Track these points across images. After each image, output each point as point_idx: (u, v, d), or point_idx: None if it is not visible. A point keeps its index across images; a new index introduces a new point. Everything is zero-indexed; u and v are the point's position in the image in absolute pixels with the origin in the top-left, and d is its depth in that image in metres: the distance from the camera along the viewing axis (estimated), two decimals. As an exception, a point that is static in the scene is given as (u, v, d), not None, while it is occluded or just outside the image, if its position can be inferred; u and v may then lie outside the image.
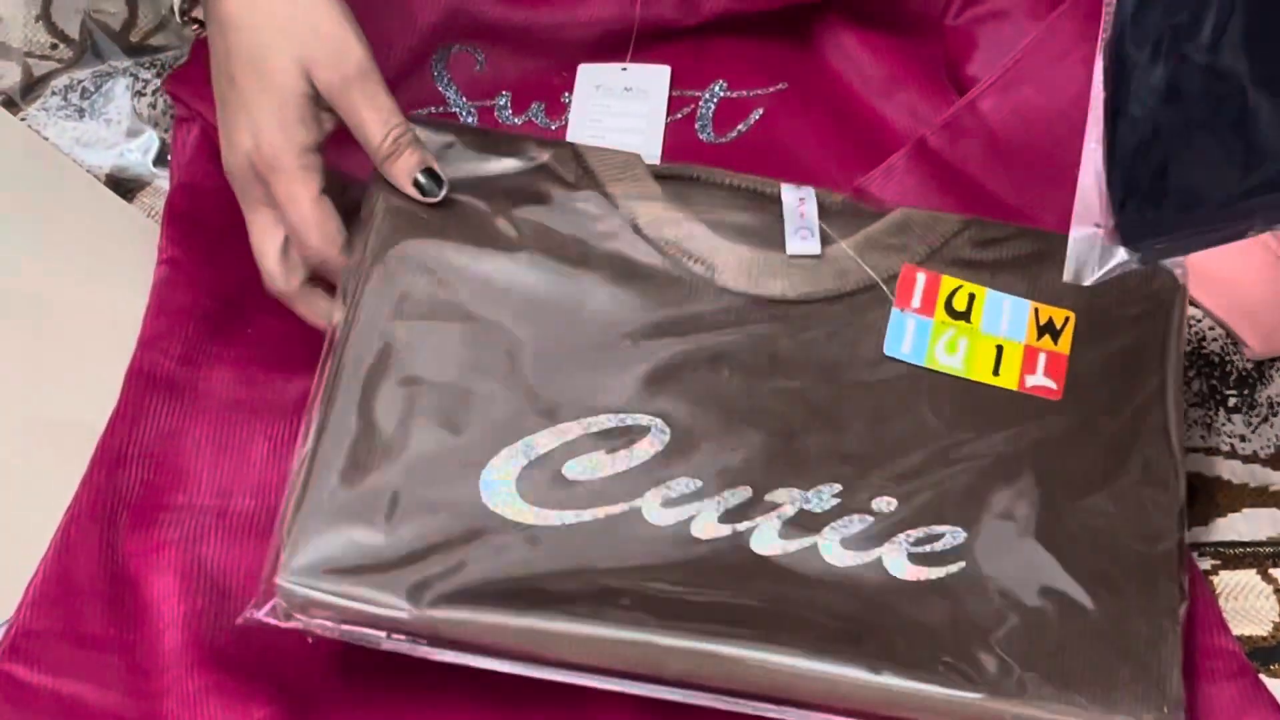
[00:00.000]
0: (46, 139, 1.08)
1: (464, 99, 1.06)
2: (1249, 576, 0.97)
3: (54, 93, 1.10)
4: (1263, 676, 0.92)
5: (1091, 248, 0.81)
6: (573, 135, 1.05)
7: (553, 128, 1.06)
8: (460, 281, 0.89)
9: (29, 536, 0.90)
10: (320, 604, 0.82)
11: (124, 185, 1.07)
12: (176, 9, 0.96)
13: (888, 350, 0.90)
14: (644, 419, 0.87)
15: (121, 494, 0.92)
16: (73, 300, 1.01)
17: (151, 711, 0.86)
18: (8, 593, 0.89)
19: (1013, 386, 0.90)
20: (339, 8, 0.89)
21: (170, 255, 0.99)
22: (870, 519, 0.86)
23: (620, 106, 1.06)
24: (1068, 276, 0.82)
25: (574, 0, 1.06)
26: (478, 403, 0.86)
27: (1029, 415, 0.90)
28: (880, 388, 0.89)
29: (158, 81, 1.10)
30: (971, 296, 0.92)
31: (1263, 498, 0.99)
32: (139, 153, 1.08)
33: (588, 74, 1.07)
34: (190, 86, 1.03)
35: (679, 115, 1.07)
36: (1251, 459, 1.00)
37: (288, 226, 0.90)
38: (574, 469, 0.86)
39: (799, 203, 0.93)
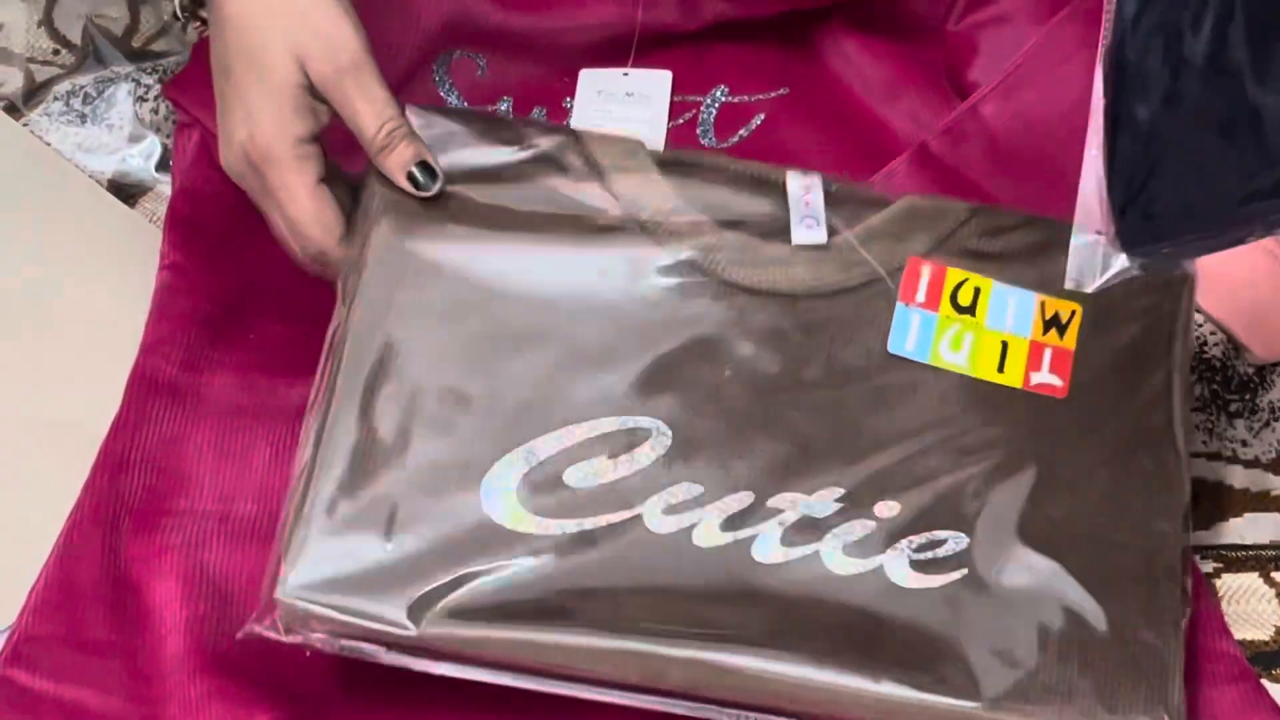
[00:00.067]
0: (49, 144, 1.08)
1: (465, 104, 1.06)
2: (1251, 580, 0.97)
3: (56, 98, 1.10)
4: (1264, 681, 0.92)
5: (1093, 255, 0.81)
6: (574, 140, 1.05)
7: (554, 133, 1.06)
8: (458, 281, 0.88)
9: (31, 542, 0.90)
10: (320, 618, 0.82)
11: (126, 190, 1.07)
12: (179, 6, 0.96)
13: (892, 347, 0.89)
14: (646, 421, 0.87)
15: (124, 499, 0.92)
16: (75, 305, 1.01)
17: (154, 717, 0.86)
18: (10, 598, 0.89)
19: (1017, 384, 0.90)
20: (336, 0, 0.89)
21: (172, 260, 0.99)
22: (872, 524, 0.86)
23: (622, 112, 1.06)
24: (1069, 284, 0.82)
25: (575, 5, 1.06)
26: (477, 408, 0.86)
27: (1033, 415, 0.89)
28: (884, 386, 0.89)
29: (160, 87, 1.10)
30: (977, 290, 0.91)
31: (1265, 502, 0.99)
32: (141, 158, 1.08)
33: (589, 79, 1.07)
34: (189, 92, 1.03)
35: (680, 120, 1.07)
36: (1253, 464, 1.00)
37: (284, 218, 0.90)
38: (575, 475, 0.85)
39: (804, 190, 0.92)
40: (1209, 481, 0.99)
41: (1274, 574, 0.97)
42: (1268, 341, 1.02)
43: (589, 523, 0.85)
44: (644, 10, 1.06)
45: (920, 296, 0.91)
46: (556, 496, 0.85)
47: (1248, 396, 1.02)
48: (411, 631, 0.82)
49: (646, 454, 0.86)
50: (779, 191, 0.92)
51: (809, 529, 0.86)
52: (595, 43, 1.07)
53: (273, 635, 0.82)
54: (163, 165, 1.08)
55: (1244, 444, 1.01)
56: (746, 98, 1.07)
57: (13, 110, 1.09)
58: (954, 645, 0.84)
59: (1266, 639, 0.95)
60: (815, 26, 1.09)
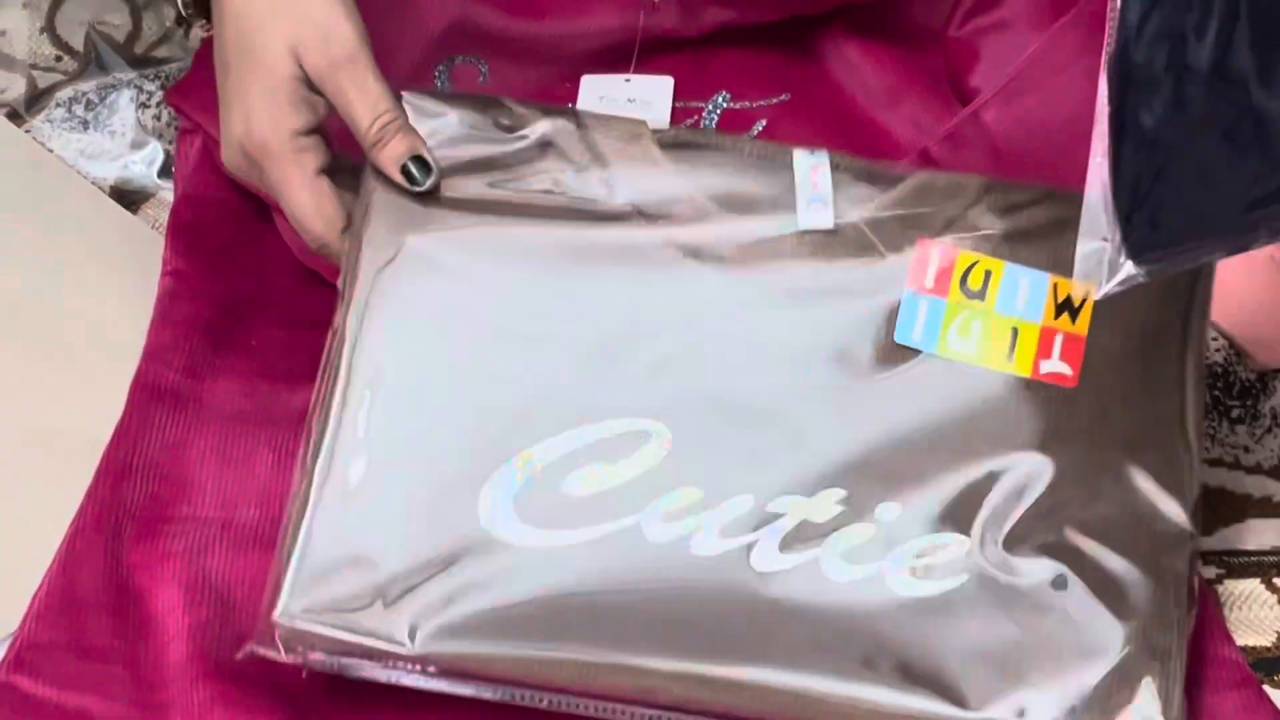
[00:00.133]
0: (51, 151, 1.08)
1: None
2: (1253, 586, 0.97)
3: (58, 105, 1.10)
4: (1266, 687, 0.92)
5: (1099, 261, 0.81)
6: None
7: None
8: (454, 282, 0.88)
9: (34, 549, 0.90)
10: (319, 638, 0.82)
11: (128, 197, 1.07)
12: (181, 4, 0.96)
13: (898, 337, 0.88)
14: (645, 423, 0.86)
15: (126, 506, 0.92)
16: (77, 312, 1.01)
17: (156, 723, 0.87)
18: (13, 605, 0.89)
19: (1026, 373, 0.88)
20: None
21: (174, 267, 0.99)
22: (873, 528, 0.86)
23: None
24: (1076, 291, 0.82)
25: (577, 11, 1.07)
26: (474, 416, 0.86)
27: (1042, 408, 0.88)
28: (890, 380, 0.88)
29: (162, 93, 1.10)
30: (988, 273, 0.89)
31: (1266, 508, 0.99)
32: (143, 164, 1.08)
33: (591, 85, 1.07)
34: (192, 99, 1.04)
35: (683, 126, 1.07)
36: (1255, 470, 1.00)
37: (285, 211, 0.90)
38: (574, 483, 0.85)
39: (812, 170, 0.90)
40: (1211, 487, 0.99)
41: (1276, 580, 0.97)
42: (1269, 347, 1.02)
43: (587, 533, 0.85)
44: (646, 16, 1.06)
45: (929, 282, 0.89)
46: (554, 506, 0.85)
47: (1249, 402, 1.03)
48: (410, 649, 0.82)
49: (645, 457, 0.86)
50: (786, 171, 0.90)
51: (808, 534, 0.85)
52: (597, 49, 1.07)
53: (272, 655, 0.83)
54: (165, 172, 1.08)
55: (1246, 450, 1.01)
56: (748, 103, 1.07)
57: (15, 117, 1.09)
58: (951, 654, 0.84)
59: (1268, 645, 0.95)
60: (817, 32, 1.09)
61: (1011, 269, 0.89)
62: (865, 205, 0.90)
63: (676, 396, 0.87)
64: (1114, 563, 0.86)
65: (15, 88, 1.10)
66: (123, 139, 1.09)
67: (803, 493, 0.86)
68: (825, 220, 0.89)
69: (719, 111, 1.07)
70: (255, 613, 0.85)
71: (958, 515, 0.86)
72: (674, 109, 1.07)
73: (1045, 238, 0.90)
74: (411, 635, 0.82)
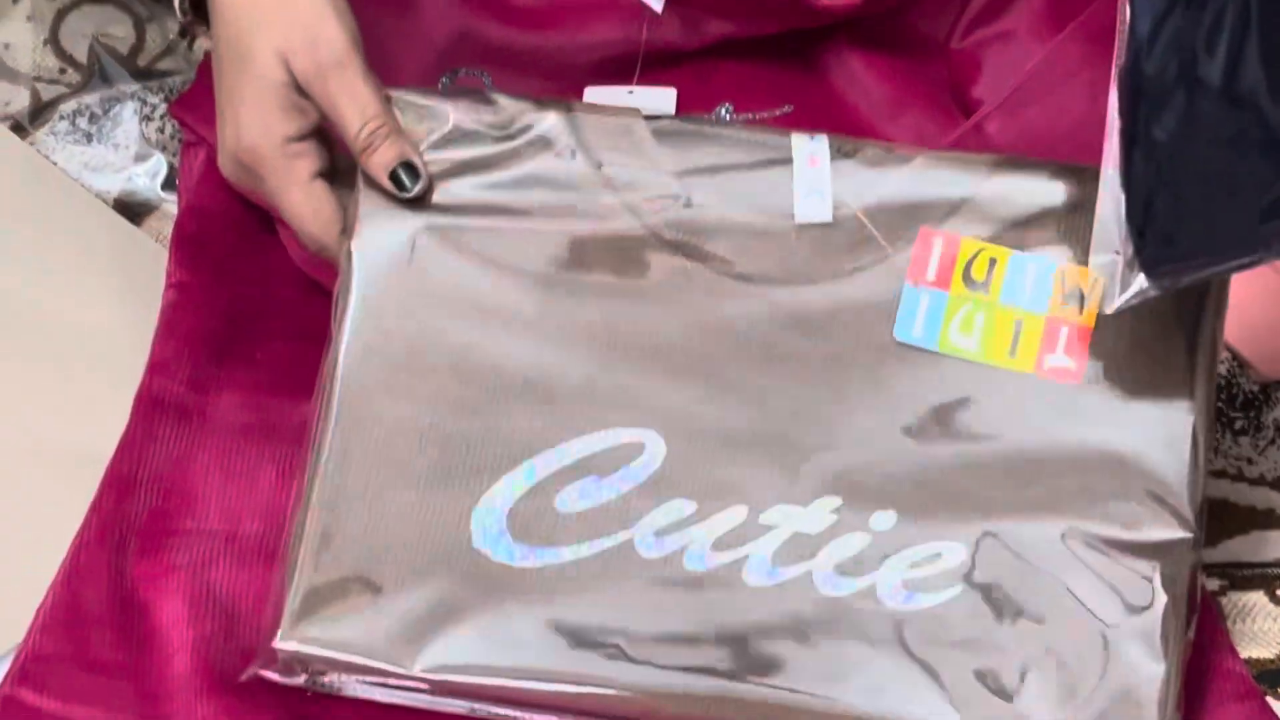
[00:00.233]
0: (55, 164, 1.08)
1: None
2: (1257, 598, 0.97)
3: (62, 117, 1.10)
4: (1270, 699, 0.92)
5: (1112, 275, 0.81)
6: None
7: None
8: (446, 290, 0.87)
9: (38, 562, 0.90)
10: (319, 660, 0.83)
11: (132, 210, 1.07)
12: (179, 10, 0.96)
13: (898, 334, 0.87)
14: (637, 433, 0.86)
15: (130, 519, 0.92)
16: (81, 324, 1.01)
17: (161, 736, 0.87)
18: (17, 618, 0.89)
19: (1030, 370, 0.87)
20: None
21: (178, 279, 0.99)
22: (868, 538, 0.85)
23: (627, 130, 1.06)
24: (1089, 305, 0.82)
25: (580, 24, 1.07)
26: (465, 437, 0.86)
27: (1044, 408, 0.87)
28: (888, 380, 0.87)
29: (165, 106, 1.10)
30: (993, 261, 0.88)
31: (1270, 520, 0.99)
32: (147, 177, 1.08)
33: (594, 97, 1.07)
34: (195, 111, 1.04)
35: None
36: (1258, 481, 1.00)
37: (282, 215, 0.91)
38: (566, 500, 0.85)
39: (809, 160, 0.89)
40: (1214, 499, 0.99)
41: (1279, 592, 0.97)
42: (1272, 359, 1.02)
43: (579, 550, 0.85)
44: (648, 28, 1.06)
45: (930, 274, 0.88)
46: (547, 524, 0.85)
47: (1252, 414, 1.03)
48: (408, 669, 0.83)
49: (638, 470, 0.86)
50: (785, 159, 0.89)
51: (801, 546, 0.85)
52: (600, 61, 1.07)
53: (275, 678, 0.84)
54: (169, 184, 1.08)
55: (1249, 461, 1.01)
56: (751, 115, 1.07)
57: (19, 129, 1.09)
58: (945, 667, 0.84)
59: (1272, 657, 0.95)
60: (819, 44, 1.09)
61: (1017, 257, 0.88)
62: (868, 191, 0.89)
63: (670, 404, 0.86)
64: (1113, 571, 0.85)
65: (19, 100, 1.11)
66: (126, 152, 1.09)
67: (797, 502, 0.86)
68: (823, 213, 0.88)
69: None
70: (259, 626, 0.85)
71: (955, 523, 0.86)
72: (677, 120, 1.07)
73: (1057, 219, 0.88)
74: (409, 655, 0.83)
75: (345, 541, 0.85)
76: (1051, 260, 0.88)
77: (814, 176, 0.89)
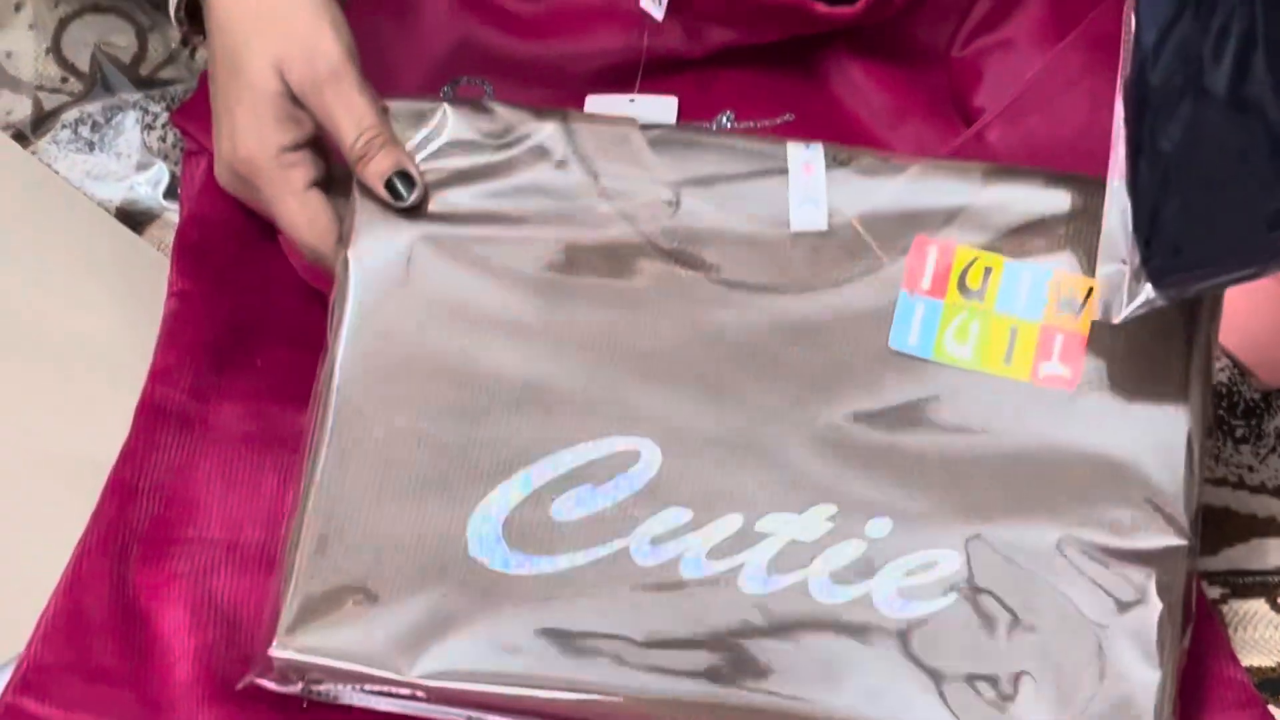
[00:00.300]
0: (57, 172, 1.08)
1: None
2: (1258, 606, 0.97)
3: (64, 126, 1.10)
4: (1272, 708, 0.92)
5: (1119, 285, 0.81)
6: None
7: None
8: (442, 298, 0.88)
9: (40, 570, 0.90)
10: (315, 667, 0.83)
11: (134, 218, 1.07)
12: (175, 20, 0.96)
13: (893, 343, 0.87)
14: (633, 442, 0.86)
15: (132, 527, 0.92)
16: (83, 333, 1.01)
17: (163, 744, 0.87)
18: (19, 627, 0.89)
19: (1025, 378, 0.87)
20: (317, 7, 0.90)
21: (180, 288, 0.99)
22: (863, 545, 0.85)
23: (628, 138, 1.06)
24: (1096, 315, 0.82)
25: (581, 32, 1.07)
26: (460, 446, 0.86)
27: (1039, 414, 0.87)
28: (883, 389, 0.87)
29: (167, 115, 1.10)
30: (988, 270, 0.88)
31: (1271, 528, 0.99)
32: (149, 186, 1.08)
33: (595, 106, 1.07)
34: (197, 120, 1.04)
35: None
36: (1260, 489, 1.00)
37: (278, 225, 0.92)
38: (561, 508, 0.85)
39: (805, 168, 0.89)
40: (1215, 507, 0.99)
41: (1280, 599, 0.98)
42: (1273, 367, 1.02)
43: (575, 559, 0.85)
44: (649, 36, 1.06)
45: (925, 283, 0.88)
46: (543, 532, 0.85)
47: (1253, 422, 1.03)
48: (404, 676, 0.83)
49: (633, 478, 0.86)
50: (781, 167, 0.90)
51: (797, 554, 0.85)
52: (601, 69, 1.07)
53: (272, 686, 0.84)
54: (171, 193, 1.08)
55: (1250, 469, 1.01)
56: (752, 123, 1.07)
57: (21, 138, 1.09)
58: (939, 676, 0.84)
59: (1273, 665, 0.95)
60: (820, 52, 1.09)
61: (1012, 265, 0.88)
62: (863, 200, 0.89)
63: (666, 413, 0.87)
64: (1108, 578, 0.85)
65: (21, 109, 1.11)
66: (128, 160, 1.09)
67: (792, 510, 0.86)
68: (818, 222, 0.89)
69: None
70: (260, 635, 0.85)
71: (950, 531, 0.86)
72: (678, 129, 1.07)
73: (1051, 227, 0.88)
74: (405, 663, 0.83)
75: (341, 549, 0.85)
76: (1046, 268, 0.88)
77: (809, 185, 0.89)
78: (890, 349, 0.87)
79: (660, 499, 0.85)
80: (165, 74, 1.12)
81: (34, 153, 1.09)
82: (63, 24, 1.14)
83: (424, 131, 0.89)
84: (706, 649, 0.84)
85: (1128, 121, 0.78)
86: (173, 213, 1.07)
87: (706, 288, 0.88)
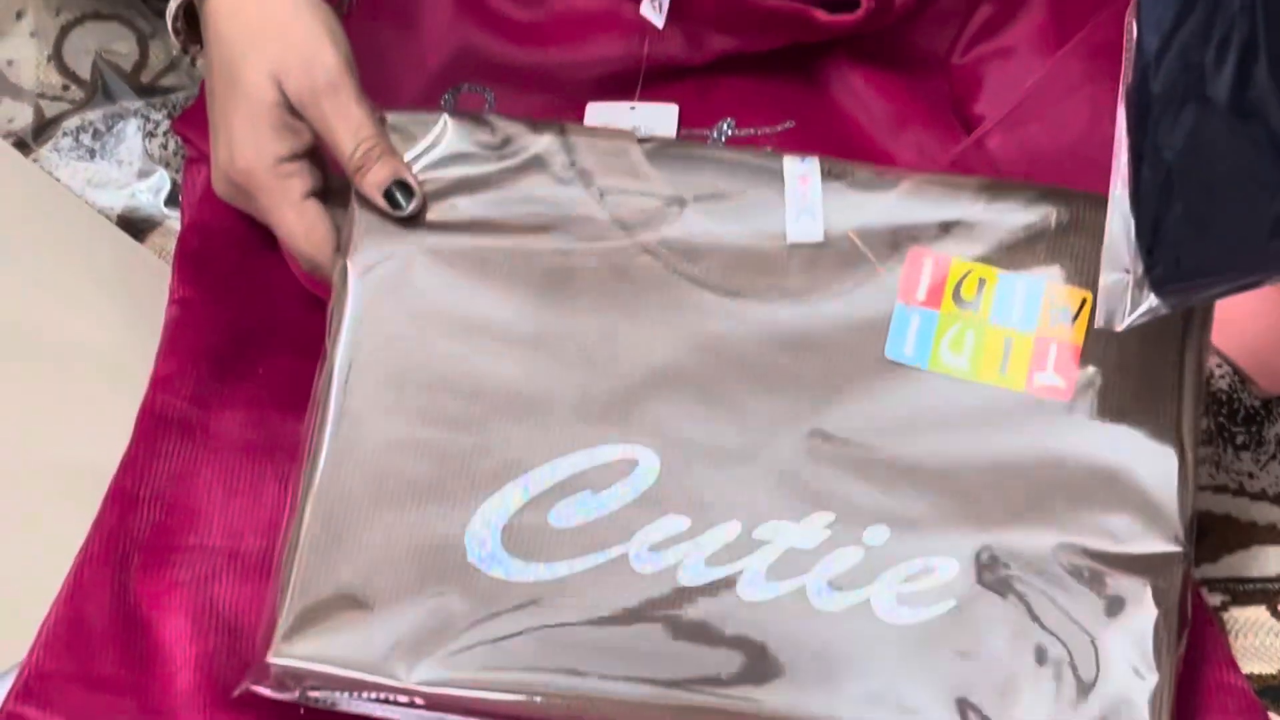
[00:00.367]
0: (58, 180, 1.08)
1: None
2: (1259, 613, 0.97)
3: (65, 134, 1.10)
4: (1272, 715, 0.92)
5: (1122, 293, 0.81)
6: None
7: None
8: (441, 308, 0.88)
9: (41, 578, 0.90)
10: (313, 675, 0.83)
11: (135, 226, 1.07)
12: (172, 30, 0.96)
13: (889, 353, 0.88)
14: (632, 449, 0.86)
15: (133, 535, 0.92)
16: (84, 341, 1.01)
17: (164, 752, 0.87)
18: (21, 635, 0.89)
19: (1020, 388, 0.88)
20: (315, 18, 0.90)
21: (182, 295, 1.00)
22: (861, 553, 0.86)
23: (629, 146, 1.06)
24: (1099, 323, 0.82)
25: (581, 40, 1.07)
26: (462, 449, 0.86)
27: (1034, 424, 0.87)
28: (879, 399, 0.87)
29: (169, 122, 1.10)
30: (982, 281, 0.89)
31: (1272, 535, 0.99)
32: (150, 193, 1.09)
33: (596, 113, 1.07)
34: (198, 127, 1.04)
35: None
36: (1260, 496, 1.00)
37: (276, 234, 0.92)
38: (560, 515, 0.85)
39: (801, 180, 0.89)
40: (1216, 514, 0.99)
41: (1281, 607, 0.98)
42: (1273, 374, 1.02)
43: (574, 565, 0.85)
44: (650, 44, 1.06)
45: (921, 294, 0.89)
46: (541, 538, 0.85)
47: (1254, 429, 1.03)
48: (402, 683, 0.83)
49: (632, 485, 0.86)
50: (777, 181, 0.90)
51: (795, 561, 0.85)
52: (602, 77, 1.07)
53: (269, 693, 0.84)
54: (172, 200, 1.08)
55: (1250, 476, 1.01)
56: (753, 131, 1.08)
57: (22, 146, 1.09)
58: (940, 681, 0.84)
59: (1274, 672, 0.95)
60: (821, 60, 1.09)
61: (1006, 277, 0.89)
62: (858, 213, 0.89)
63: (664, 421, 0.87)
64: (1104, 585, 0.86)
65: (22, 117, 1.11)
66: (129, 168, 1.09)
67: (790, 518, 0.86)
68: (814, 233, 0.89)
69: (724, 139, 1.07)
70: (258, 642, 0.85)
71: (948, 537, 0.86)
72: (679, 136, 1.07)
73: (1046, 240, 0.89)
74: (403, 669, 0.83)
75: (339, 557, 0.85)
76: (1040, 280, 0.89)
77: (805, 197, 0.89)
78: (886, 359, 0.88)
79: (658, 506, 0.86)
80: (166, 81, 1.13)
81: (35, 160, 1.09)
82: (64, 31, 1.14)
83: (423, 143, 0.90)
84: (705, 655, 0.84)
85: (1129, 130, 0.78)
86: (174, 220, 1.07)
87: (704, 298, 0.88)
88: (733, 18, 1.05)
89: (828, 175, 0.90)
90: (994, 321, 0.88)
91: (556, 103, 1.07)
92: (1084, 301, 0.88)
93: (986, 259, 0.89)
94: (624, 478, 0.86)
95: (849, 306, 0.88)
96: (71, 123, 1.11)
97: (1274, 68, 0.74)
